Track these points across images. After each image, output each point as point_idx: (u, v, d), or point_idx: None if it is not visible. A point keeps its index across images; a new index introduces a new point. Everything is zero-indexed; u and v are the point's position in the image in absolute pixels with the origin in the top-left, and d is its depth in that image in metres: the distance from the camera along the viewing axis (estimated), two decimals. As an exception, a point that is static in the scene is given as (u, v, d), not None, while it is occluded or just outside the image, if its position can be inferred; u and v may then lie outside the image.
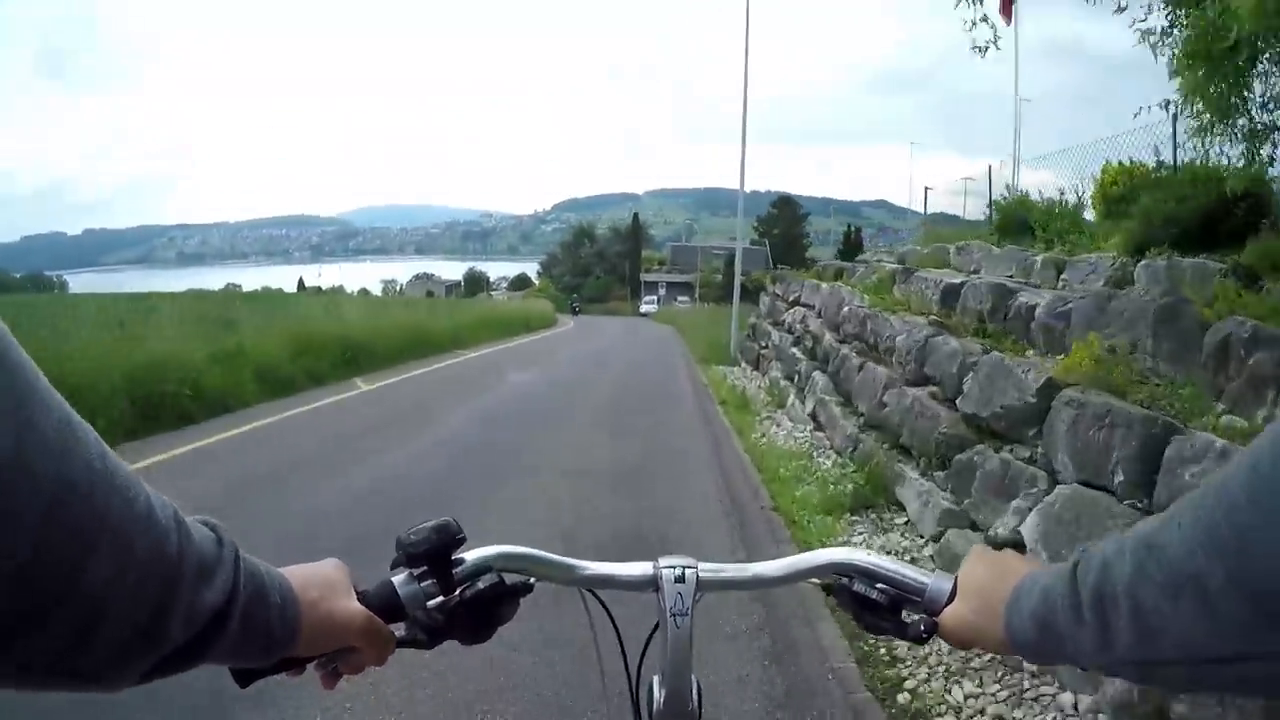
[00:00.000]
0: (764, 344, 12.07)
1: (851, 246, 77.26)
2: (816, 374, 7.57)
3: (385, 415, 8.15)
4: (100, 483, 0.37)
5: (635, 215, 76.25)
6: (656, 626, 0.71)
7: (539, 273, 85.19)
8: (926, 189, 15.88)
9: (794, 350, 9.33)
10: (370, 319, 14.38)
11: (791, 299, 10.96)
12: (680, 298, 60.17)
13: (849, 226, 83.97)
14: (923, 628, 0.64)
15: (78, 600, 0.36)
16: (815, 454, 6.19)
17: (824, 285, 9.39)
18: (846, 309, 7.37)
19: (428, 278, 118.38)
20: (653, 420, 8.08)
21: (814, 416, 7.08)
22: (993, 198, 9.37)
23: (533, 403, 9.36)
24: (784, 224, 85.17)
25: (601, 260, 71.86)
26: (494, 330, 20.40)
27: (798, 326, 9.73)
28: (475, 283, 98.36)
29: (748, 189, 17.11)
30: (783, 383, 9.25)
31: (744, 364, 13.32)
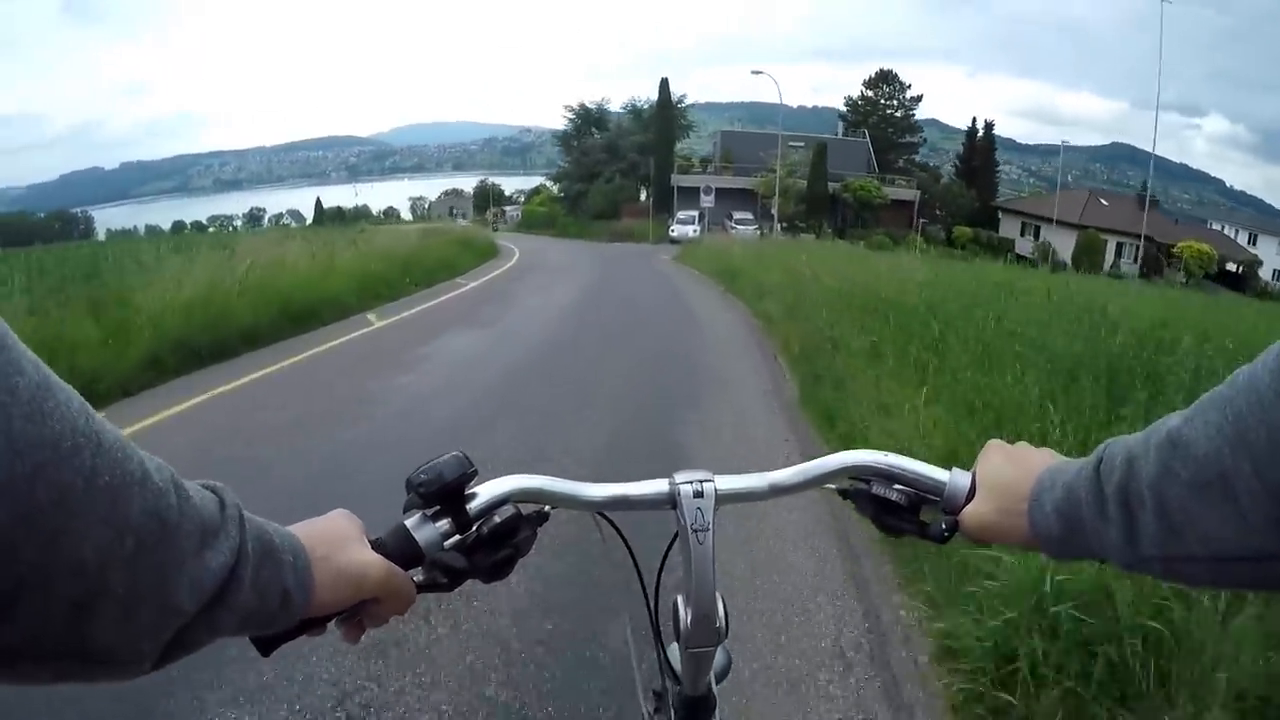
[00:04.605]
0: None
1: (979, 153, 56.71)
2: None
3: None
4: (87, 444, 0.34)
5: (665, 81, 48.35)
6: (671, 544, 0.70)
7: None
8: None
9: None
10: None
11: None
12: (737, 215, 37.89)
13: (975, 122, 61.94)
14: (944, 527, 0.63)
15: (73, 569, 0.34)
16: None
17: None
18: None
19: (456, 194, 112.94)
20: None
21: None
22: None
23: None
24: (882, 110, 59.77)
25: (614, 157, 47.07)
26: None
27: None
28: (485, 196, 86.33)
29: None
30: None
31: None
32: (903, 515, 0.65)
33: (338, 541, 0.54)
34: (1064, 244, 40.47)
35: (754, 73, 30.25)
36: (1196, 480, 0.41)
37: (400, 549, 0.57)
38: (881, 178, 46.14)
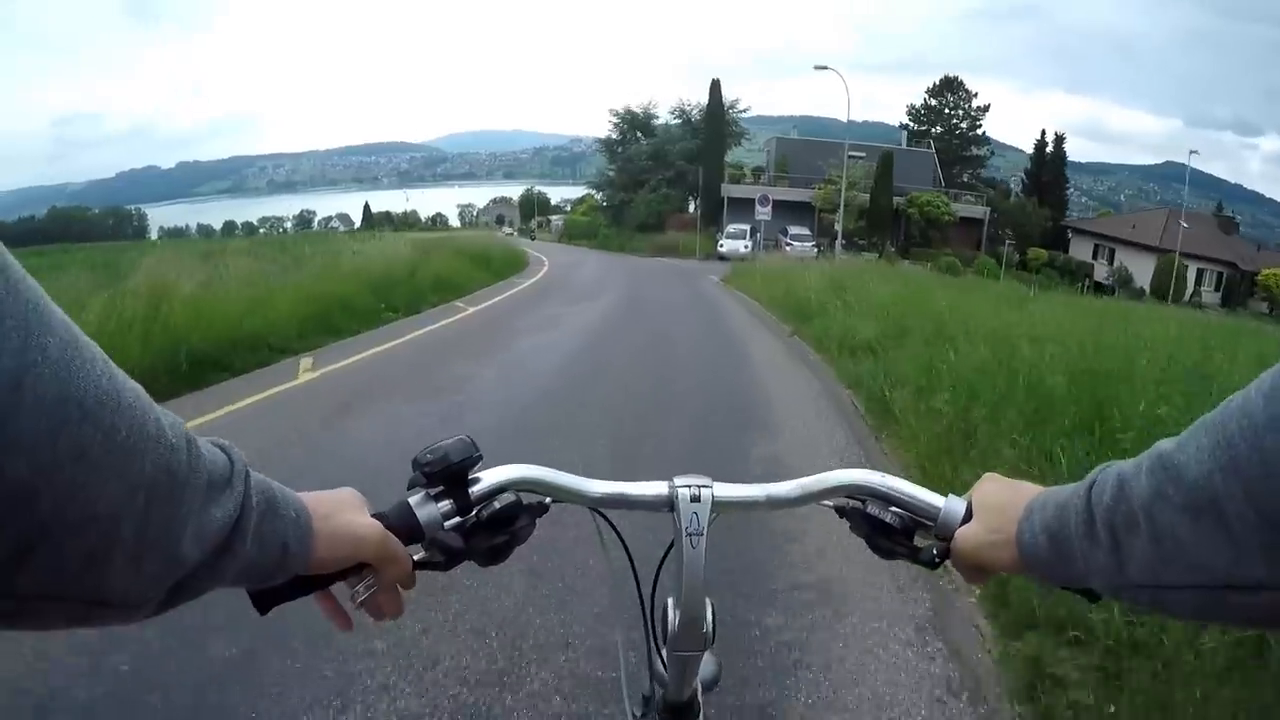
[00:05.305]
0: None
1: (1048, 169, 44.14)
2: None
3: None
4: (108, 401, 0.36)
5: (715, 84, 44.25)
6: (669, 550, 0.70)
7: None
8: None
9: None
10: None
11: None
12: (793, 230, 34.15)
13: (1044, 135, 54.97)
14: (935, 552, 0.63)
15: (88, 520, 0.35)
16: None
17: None
18: None
19: (504, 202, 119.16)
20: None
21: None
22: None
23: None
24: (947, 120, 55.39)
25: (661, 165, 43.10)
26: None
27: None
28: (531, 205, 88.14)
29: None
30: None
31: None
32: (896, 538, 0.64)
33: (339, 506, 0.55)
34: (1139, 268, 36.98)
35: (817, 68, 27.07)
36: (1188, 504, 0.40)
37: (401, 523, 0.58)
38: (948, 193, 42.37)
